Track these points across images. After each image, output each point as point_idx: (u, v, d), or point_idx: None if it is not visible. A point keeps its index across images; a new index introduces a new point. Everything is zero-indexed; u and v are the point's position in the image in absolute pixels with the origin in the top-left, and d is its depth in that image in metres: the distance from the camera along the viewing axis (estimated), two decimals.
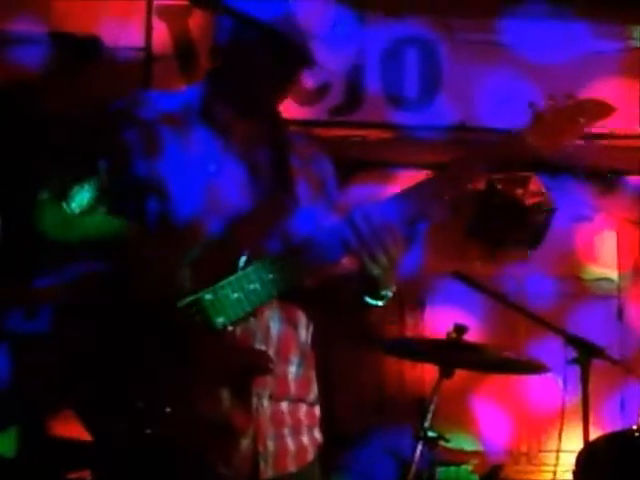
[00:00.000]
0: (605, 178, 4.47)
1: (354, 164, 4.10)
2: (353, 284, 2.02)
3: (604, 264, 4.42)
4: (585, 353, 3.46)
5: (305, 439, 2.03)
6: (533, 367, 3.44)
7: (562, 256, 4.36)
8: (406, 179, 3.64)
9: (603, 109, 2.00)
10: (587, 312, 4.16)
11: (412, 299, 4.06)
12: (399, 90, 4.39)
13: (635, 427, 3.44)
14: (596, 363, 3.51)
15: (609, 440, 3.45)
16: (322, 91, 4.24)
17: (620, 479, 3.36)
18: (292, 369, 2.01)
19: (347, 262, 2.05)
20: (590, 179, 4.45)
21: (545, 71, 4.19)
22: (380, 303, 1.99)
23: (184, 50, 4.14)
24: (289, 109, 2.22)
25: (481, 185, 4.13)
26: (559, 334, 3.52)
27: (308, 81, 4.10)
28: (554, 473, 3.76)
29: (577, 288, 4.30)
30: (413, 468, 3.01)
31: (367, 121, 4.32)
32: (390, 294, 1.99)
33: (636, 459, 3.38)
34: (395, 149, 4.27)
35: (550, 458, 3.93)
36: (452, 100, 4.38)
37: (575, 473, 3.43)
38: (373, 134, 4.28)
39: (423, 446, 3.06)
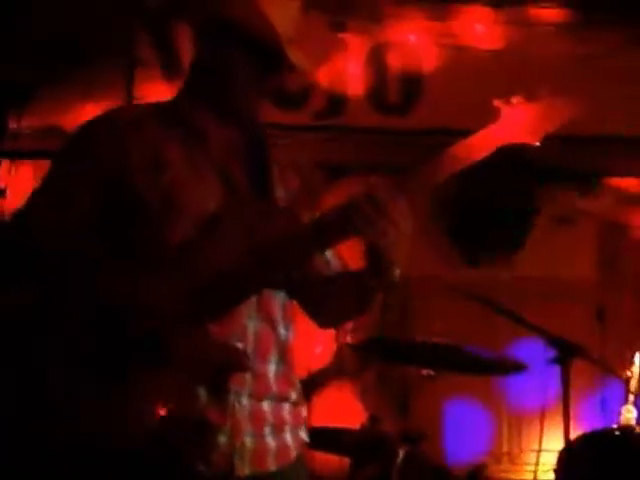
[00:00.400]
0: (587, 180, 4.52)
1: (337, 168, 4.14)
2: (362, 276, 2.03)
3: (585, 265, 4.47)
4: (565, 353, 3.49)
5: (288, 438, 2.04)
6: (514, 367, 3.47)
7: (543, 257, 4.40)
8: None
9: (572, 108, 2.02)
10: (567, 312, 4.21)
11: (395, 302, 4.09)
12: (382, 95, 4.44)
13: (615, 426, 3.48)
14: (576, 363, 3.54)
15: (589, 439, 3.48)
16: (305, 95, 4.28)
17: (600, 478, 3.40)
18: (271, 367, 2.03)
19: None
20: (572, 180, 4.50)
21: (528, 75, 4.24)
22: (389, 285, 2.00)
23: (167, 56, 4.17)
24: (271, 114, 2.25)
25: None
26: (540, 334, 3.55)
27: (290, 85, 4.17)
28: (535, 472, 3.80)
29: (558, 288, 4.34)
30: (396, 469, 3.04)
31: (350, 125, 4.36)
32: (398, 275, 1.99)
33: (616, 458, 3.42)
34: (378, 153, 4.31)
35: (531, 457, 3.97)
36: (435, 104, 4.43)
37: (556, 472, 3.46)
38: (356, 138, 4.32)
39: (406, 446, 3.09)
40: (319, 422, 3.47)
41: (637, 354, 3.53)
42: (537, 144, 1.99)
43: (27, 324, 1.93)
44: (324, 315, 2.20)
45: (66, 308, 1.93)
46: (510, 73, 4.30)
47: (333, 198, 2.26)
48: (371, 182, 1.93)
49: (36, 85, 4.19)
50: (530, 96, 1.99)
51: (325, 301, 2.16)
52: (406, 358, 3.36)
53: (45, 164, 2.08)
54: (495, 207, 4.20)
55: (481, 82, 4.27)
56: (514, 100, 1.99)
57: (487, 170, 3.55)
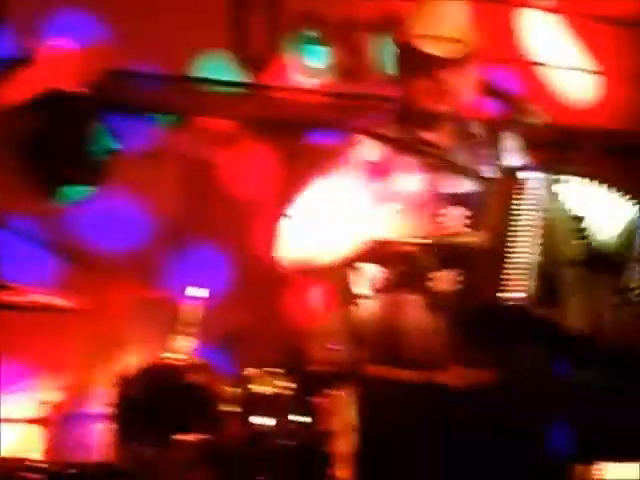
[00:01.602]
0: (174, 116, 4.59)
1: None
2: None
3: (170, 201, 4.58)
4: None
5: None
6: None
7: (129, 192, 4.45)
8: None
9: (109, 56, 2.03)
10: None
11: None
12: None
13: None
14: None
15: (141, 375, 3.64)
16: None
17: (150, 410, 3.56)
18: None
19: None
20: (158, 118, 4.55)
21: None
22: None
23: None
24: None
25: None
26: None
27: None
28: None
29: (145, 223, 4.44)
30: None
31: None
32: None
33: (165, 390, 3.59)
34: None
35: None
36: (17, 32, 4.25)
37: (113, 407, 3.59)
38: None
39: None
40: None
41: None
42: (83, 91, 1.99)
43: None
44: None
45: None
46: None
47: None
48: None
49: None
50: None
51: None
52: None
53: None
54: (74, 142, 4.12)
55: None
56: (58, 46, 1.97)
57: (62, 106, 3.47)
